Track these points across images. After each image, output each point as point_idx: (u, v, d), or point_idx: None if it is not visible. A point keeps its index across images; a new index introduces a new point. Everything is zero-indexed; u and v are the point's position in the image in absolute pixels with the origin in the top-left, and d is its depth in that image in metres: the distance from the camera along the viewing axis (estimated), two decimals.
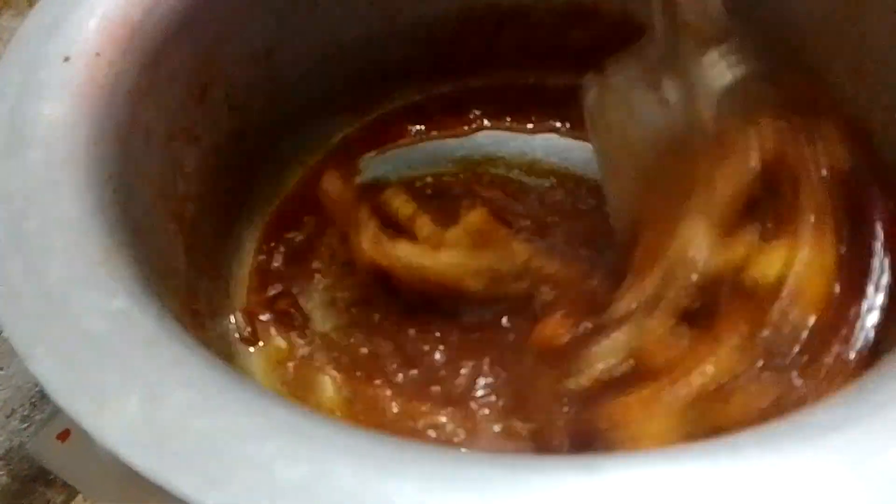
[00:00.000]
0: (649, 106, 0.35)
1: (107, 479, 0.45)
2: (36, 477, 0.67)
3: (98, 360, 0.20)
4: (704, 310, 0.30)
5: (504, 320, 0.36)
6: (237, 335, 0.38)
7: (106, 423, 0.19)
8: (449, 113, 0.49)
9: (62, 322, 0.21)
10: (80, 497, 0.75)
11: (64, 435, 0.47)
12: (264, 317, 0.38)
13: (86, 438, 0.47)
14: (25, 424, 0.62)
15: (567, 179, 0.45)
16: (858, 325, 0.30)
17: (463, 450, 0.26)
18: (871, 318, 0.30)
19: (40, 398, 0.63)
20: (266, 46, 0.41)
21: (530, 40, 0.49)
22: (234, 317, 0.39)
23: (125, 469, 0.44)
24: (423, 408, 0.33)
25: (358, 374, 0.35)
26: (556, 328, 0.32)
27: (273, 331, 0.38)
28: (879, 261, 0.32)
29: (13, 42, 0.30)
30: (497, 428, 0.32)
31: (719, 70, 0.33)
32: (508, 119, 0.49)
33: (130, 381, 0.20)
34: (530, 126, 0.48)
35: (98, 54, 0.30)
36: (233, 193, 0.43)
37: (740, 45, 0.33)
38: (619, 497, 0.17)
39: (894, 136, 0.35)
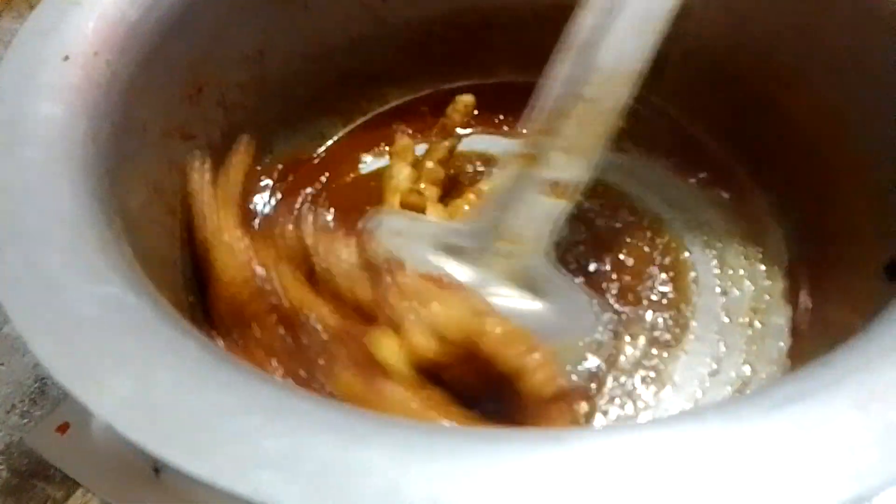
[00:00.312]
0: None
1: (104, 471, 0.46)
2: (35, 472, 0.68)
3: (94, 342, 0.21)
4: None
5: None
6: None
7: (102, 399, 0.20)
8: (439, 114, 0.50)
9: (61, 308, 0.22)
10: (79, 493, 0.76)
11: (63, 427, 0.48)
12: None
13: (84, 431, 0.48)
14: (25, 420, 0.63)
15: None
16: None
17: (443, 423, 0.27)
18: None
19: (40, 394, 0.64)
20: (258, 48, 0.43)
21: (518, 41, 0.50)
22: None
23: (122, 461, 0.45)
24: None
25: None
26: None
27: None
28: None
29: (14, 42, 0.31)
30: None
31: None
32: (498, 119, 0.50)
33: (124, 362, 0.21)
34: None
35: (96, 54, 0.32)
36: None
37: None
38: (588, 467, 0.18)
39: None
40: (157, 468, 0.45)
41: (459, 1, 0.48)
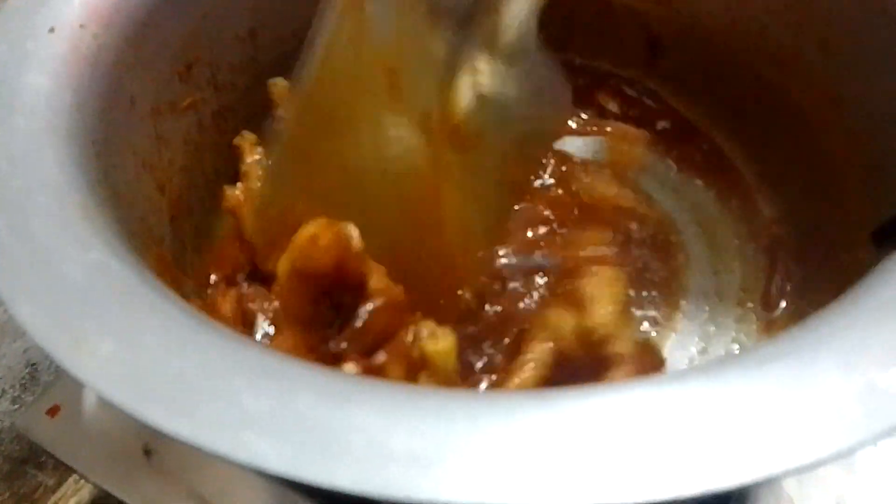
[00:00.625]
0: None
1: (95, 453, 0.46)
2: (27, 459, 0.68)
3: (77, 305, 0.21)
4: None
5: None
6: None
7: (83, 361, 0.20)
8: None
9: (44, 272, 0.22)
10: (70, 480, 0.77)
11: (53, 410, 0.48)
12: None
13: (74, 414, 0.48)
14: (16, 406, 0.63)
15: None
16: None
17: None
18: None
19: (31, 379, 0.64)
20: (249, 27, 0.42)
21: None
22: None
23: (113, 443, 0.45)
24: None
25: None
26: None
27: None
28: None
29: (0, 15, 0.31)
30: None
31: (486, 76, 0.34)
32: None
33: (107, 324, 0.21)
34: None
35: (82, 26, 0.31)
36: (220, 170, 0.44)
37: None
38: (571, 428, 0.18)
39: None
40: (148, 450, 0.45)
41: None
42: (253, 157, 0.39)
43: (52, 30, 0.30)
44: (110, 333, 0.20)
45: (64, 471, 0.73)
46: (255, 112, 0.45)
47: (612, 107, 0.50)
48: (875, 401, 0.18)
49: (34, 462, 0.69)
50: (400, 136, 0.33)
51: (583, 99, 0.49)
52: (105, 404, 0.45)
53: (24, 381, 0.63)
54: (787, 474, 0.17)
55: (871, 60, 0.35)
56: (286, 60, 0.45)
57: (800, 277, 0.40)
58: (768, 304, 0.39)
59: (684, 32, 0.47)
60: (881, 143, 0.34)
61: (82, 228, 0.24)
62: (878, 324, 0.20)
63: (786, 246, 0.41)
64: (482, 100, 0.34)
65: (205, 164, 0.41)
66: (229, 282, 0.38)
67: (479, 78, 0.35)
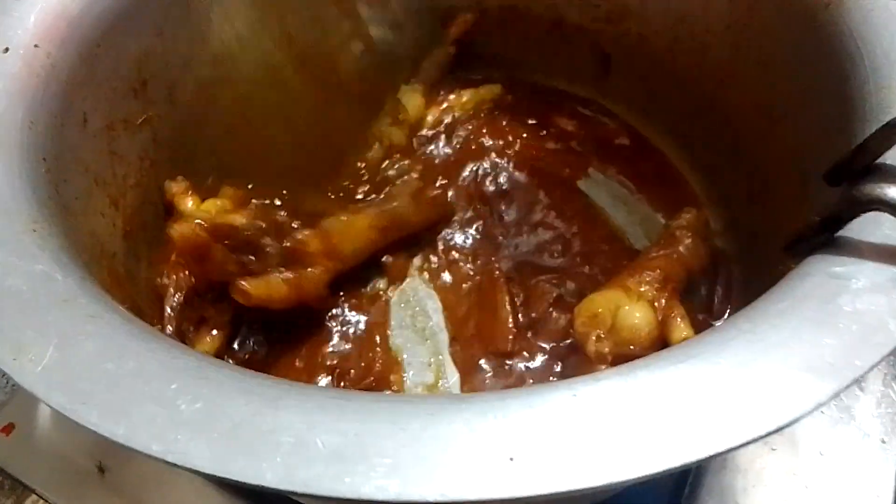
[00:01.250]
0: None
1: (50, 471, 0.46)
2: None
3: (19, 313, 0.22)
4: None
5: None
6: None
7: (24, 367, 0.20)
8: None
9: None
10: (29, 501, 0.75)
11: (7, 429, 0.48)
12: None
13: (29, 432, 0.48)
14: None
15: None
16: None
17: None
18: None
19: None
20: None
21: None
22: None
23: (67, 461, 0.45)
24: None
25: None
26: None
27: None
28: None
29: None
30: None
31: None
32: None
33: (47, 332, 0.21)
34: None
35: (36, 46, 0.32)
36: None
37: None
38: (493, 426, 0.19)
39: None
40: (102, 467, 0.45)
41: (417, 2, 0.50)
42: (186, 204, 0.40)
43: (6, 49, 0.31)
44: (51, 341, 0.21)
45: (22, 491, 0.72)
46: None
47: (570, 127, 0.52)
48: (769, 395, 0.19)
49: None
50: None
51: (541, 121, 0.51)
52: (59, 422, 0.46)
53: None
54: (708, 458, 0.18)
55: (804, 77, 0.36)
56: None
57: (742, 287, 0.41)
58: (712, 313, 0.41)
59: (633, 49, 0.49)
60: (813, 155, 0.35)
61: (29, 241, 0.25)
62: (776, 329, 0.21)
63: (729, 257, 0.43)
64: None
65: (161, 180, 0.42)
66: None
67: None
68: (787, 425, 0.19)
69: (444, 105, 0.51)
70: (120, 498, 0.43)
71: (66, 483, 0.44)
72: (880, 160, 0.25)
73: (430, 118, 0.50)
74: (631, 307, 0.35)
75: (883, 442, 0.42)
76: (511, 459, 0.18)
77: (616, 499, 0.35)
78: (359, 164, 0.47)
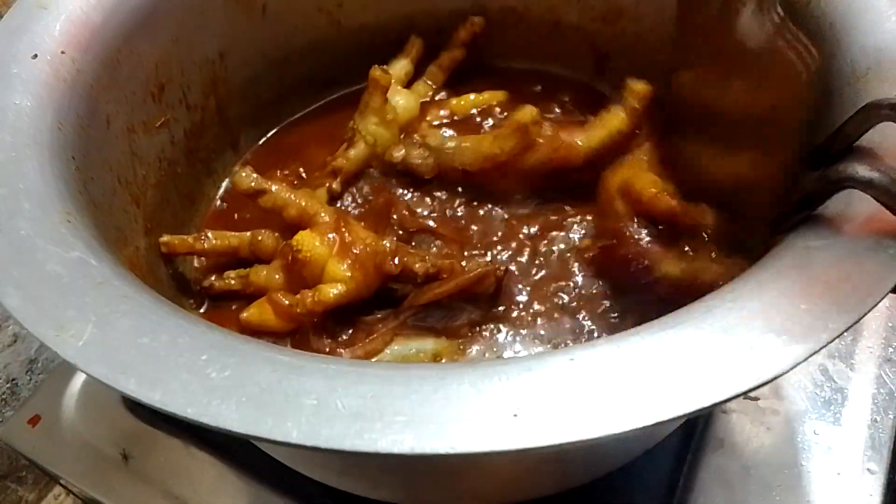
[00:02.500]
0: None
1: (75, 460, 0.48)
2: (7, 474, 0.69)
3: (59, 295, 0.24)
4: None
5: None
6: None
7: (67, 343, 0.22)
8: None
9: (29, 267, 0.25)
10: (51, 496, 0.78)
11: (34, 420, 0.50)
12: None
13: (55, 422, 0.50)
14: None
15: None
16: None
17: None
18: None
19: (10, 395, 0.66)
20: (219, 50, 0.45)
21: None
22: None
23: (92, 449, 0.47)
24: None
25: None
26: None
27: None
28: None
29: None
30: None
31: None
32: None
33: (86, 311, 0.23)
34: None
35: (63, 52, 0.34)
36: (194, 186, 0.46)
37: None
38: (517, 396, 0.21)
39: None
40: (126, 455, 0.47)
41: (412, 6, 0.51)
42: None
43: (35, 56, 0.33)
44: (90, 319, 0.23)
45: (44, 486, 0.74)
46: (226, 130, 0.48)
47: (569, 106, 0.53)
48: (750, 356, 0.21)
49: (14, 477, 0.70)
50: None
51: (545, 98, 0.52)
52: (83, 413, 0.48)
53: (3, 397, 0.65)
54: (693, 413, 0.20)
55: None
56: (255, 81, 0.49)
57: None
58: None
59: (629, 47, 0.50)
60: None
61: (65, 231, 0.27)
62: (758, 298, 0.23)
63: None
64: None
65: (178, 181, 0.44)
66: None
67: None
68: (767, 382, 0.21)
69: (444, 110, 0.51)
70: (144, 484, 0.45)
71: (92, 471, 0.46)
72: (856, 143, 0.27)
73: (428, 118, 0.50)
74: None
75: (875, 421, 0.43)
76: (515, 416, 0.20)
77: (617, 474, 0.37)
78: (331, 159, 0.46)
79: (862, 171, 0.24)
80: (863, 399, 0.44)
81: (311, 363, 0.22)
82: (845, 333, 0.45)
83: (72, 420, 0.49)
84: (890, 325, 0.47)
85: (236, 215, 0.47)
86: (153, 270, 0.40)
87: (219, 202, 0.48)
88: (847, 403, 0.44)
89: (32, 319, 0.23)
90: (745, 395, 0.20)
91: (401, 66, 0.50)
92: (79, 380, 0.50)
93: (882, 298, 0.22)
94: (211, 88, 0.45)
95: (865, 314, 0.22)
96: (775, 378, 0.21)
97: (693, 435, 0.42)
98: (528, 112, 0.41)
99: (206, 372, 0.22)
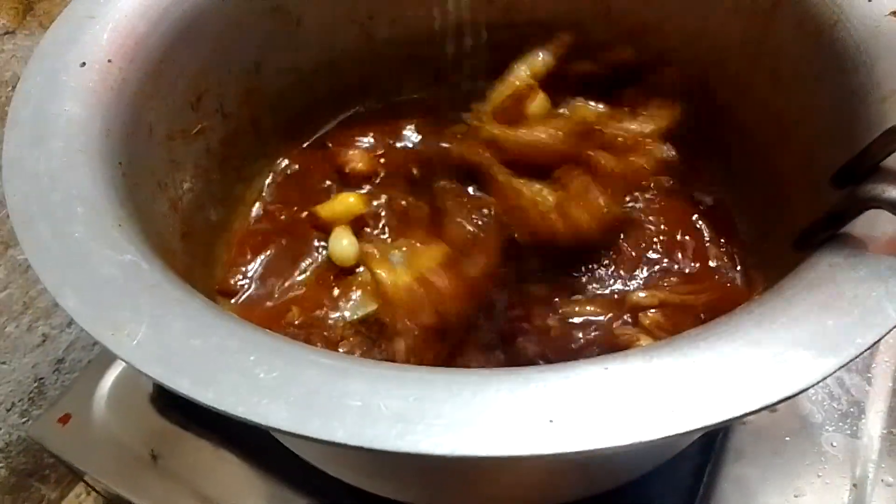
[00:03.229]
0: None
1: (105, 458, 0.49)
2: (32, 472, 0.70)
3: (114, 298, 0.25)
4: None
5: None
6: None
7: (122, 343, 0.23)
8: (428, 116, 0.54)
9: (84, 270, 0.26)
10: (72, 495, 0.79)
11: (64, 419, 0.51)
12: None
13: (85, 421, 0.51)
14: (24, 419, 0.66)
15: None
16: None
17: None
18: None
19: (38, 394, 0.67)
20: (255, 61, 0.47)
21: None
22: None
23: (122, 448, 0.48)
24: None
25: None
26: None
27: None
28: None
29: (37, 51, 0.35)
30: None
31: None
32: None
33: (140, 313, 0.24)
34: None
35: (110, 61, 0.35)
36: (228, 192, 0.48)
37: None
38: (536, 396, 0.22)
39: None
40: (155, 454, 0.48)
41: (439, 20, 0.53)
42: None
43: (83, 64, 0.34)
44: (144, 320, 0.24)
45: (66, 485, 0.75)
46: (259, 139, 0.49)
47: None
48: (779, 369, 0.22)
49: (39, 475, 0.72)
50: None
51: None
52: (113, 412, 0.49)
53: (31, 396, 0.66)
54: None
55: (814, 90, 0.39)
56: (288, 91, 0.50)
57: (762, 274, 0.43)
58: None
59: (652, 65, 0.51)
60: (822, 162, 0.38)
61: (117, 236, 0.28)
62: (785, 313, 0.24)
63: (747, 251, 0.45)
64: None
65: (212, 187, 0.45)
66: None
67: None
68: (795, 395, 0.22)
69: None
70: (172, 483, 0.46)
71: (121, 470, 0.47)
72: (882, 164, 0.28)
73: None
74: None
75: (891, 433, 0.44)
76: (551, 421, 0.21)
77: (639, 482, 0.37)
78: None
79: (888, 191, 0.25)
80: (879, 411, 0.45)
81: (353, 366, 0.23)
82: None
83: (102, 419, 0.50)
84: None
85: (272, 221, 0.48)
86: (190, 273, 0.41)
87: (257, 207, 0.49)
88: (863, 416, 0.45)
89: (89, 320, 0.24)
90: (772, 407, 0.21)
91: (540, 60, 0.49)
92: (109, 379, 0.51)
93: None
94: (245, 98, 0.47)
95: (890, 331, 0.23)
96: (804, 391, 0.21)
97: (713, 445, 0.43)
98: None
99: (255, 373, 0.23)
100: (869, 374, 0.47)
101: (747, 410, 0.21)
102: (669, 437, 0.21)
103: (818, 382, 0.22)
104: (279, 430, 0.21)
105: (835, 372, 0.22)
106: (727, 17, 0.45)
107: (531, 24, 0.54)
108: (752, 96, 0.45)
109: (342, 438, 0.21)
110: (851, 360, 0.22)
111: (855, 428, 0.44)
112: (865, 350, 0.22)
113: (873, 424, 0.44)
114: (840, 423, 0.44)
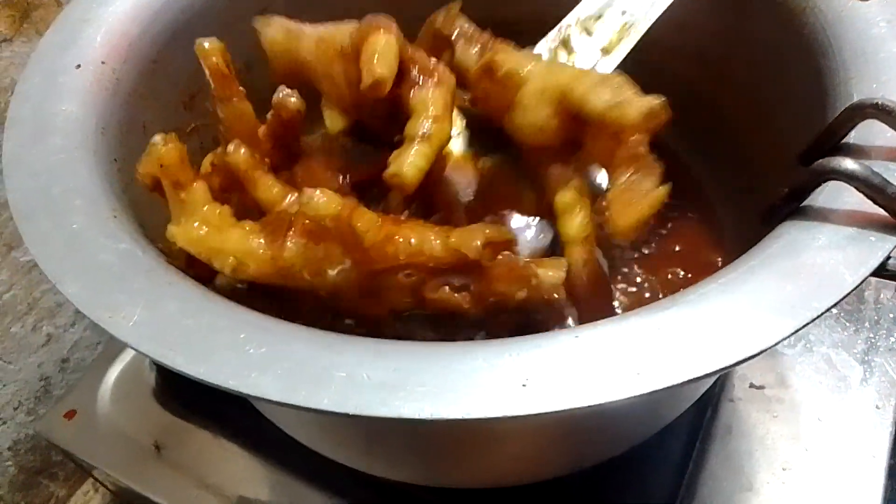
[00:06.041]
0: None
1: (110, 451, 0.50)
2: (41, 469, 0.72)
3: (111, 281, 0.26)
4: None
5: None
6: None
7: (119, 323, 0.25)
8: None
9: (82, 258, 0.27)
10: (80, 492, 0.80)
11: (70, 414, 0.52)
12: None
13: (90, 416, 0.52)
14: (31, 418, 0.67)
15: None
16: None
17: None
18: None
19: (44, 393, 0.68)
20: (245, 61, 0.48)
21: None
22: None
23: (126, 441, 0.49)
24: None
25: None
26: None
27: None
28: None
29: (34, 53, 0.36)
30: None
31: None
32: None
33: (136, 296, 0.26)
34: None
35: (104, 63, 0.37)
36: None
37: None
38: (526, 368, 0.23)
39: None
40: (159, 446, 0.50)
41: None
42: None
43: (78, 66, 0.36)
44: (139, 303, 0.25)
45: (74, 482, 0.76)
46: None
47: None
48: (741, 332, 0.23)
49: (47, 473, 0.73)
50: None
51: None
52: (117, 406, 0.50)
53: (38, 395, 0.68)
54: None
55: (786, 74, 0.40)
56: (275, 91, 0.51)
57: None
58: None
59: (638, 57, 0.52)
60: (796, 143, 0.39)
61: (113, 225, 0.29)
62: (748, 281, 0.25)
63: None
64: None
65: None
66: None
67: None
68: (755, 355, 0.23)
69: None
70: (176, 473, 0.47)
71: (126, 461, 0.49)
72: (843, 141, 0.29)
73: None
74: None
75: (877, 408, 0.45)
76: (524, 385, 0.22)
77: (629, 458, 0.38)
78: None
79: (845, 163, 0.26)
80: (865, 387, 0.46)
81: (338, 341, 0.24)
82: (848, 325, 0.47)
83: (106, 413, 0.51)
84: (892, 316, 0.49)
85: None
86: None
87: None
88: (850, 391, 0.46)
89: (88, 304, 0.25)
90: (734, 366, 0.22)
91: None
92: (112, 375, 0.53)
93: (863, 281, 0.24)
94: None
95: (848, 294, 0.24)
96: (763, 351, 0.23)
97: (702, 422, 0.44)
98: None
99: (245, 349, 0.24)
100: (855, 351, 0.48)
101: (708, 371, 0.22)
102: (636, 396, 0.22)
103: (776, 344, 0.23)
104: (268, 401, 0.23)
105: (793, 333, 0.23)
106: (706, 7, 0.46)
107: (506, 22, 0.55)
108: (730, 84, 0.46)
109: (328, 406, 0.22)
110: (808, 323, 0.23)
111: (842, 403, 0.45)
112: (822, 313, 0.24)
113: (860, 400, 0.46)
114: (827, 399, 0.46)
